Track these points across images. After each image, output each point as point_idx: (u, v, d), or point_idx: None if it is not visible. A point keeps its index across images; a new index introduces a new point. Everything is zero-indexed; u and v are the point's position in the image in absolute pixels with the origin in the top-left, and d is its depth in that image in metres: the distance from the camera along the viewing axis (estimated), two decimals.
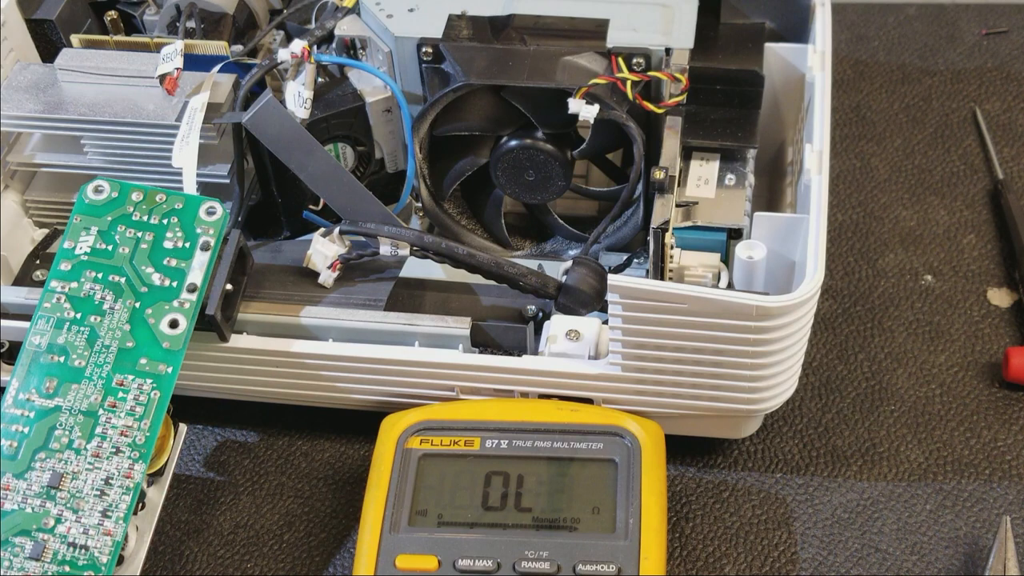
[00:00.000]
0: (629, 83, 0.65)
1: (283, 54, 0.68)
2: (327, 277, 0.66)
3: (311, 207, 0.69)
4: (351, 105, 0.70)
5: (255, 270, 0.67)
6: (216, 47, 0.71)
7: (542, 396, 0.64)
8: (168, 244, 0.62)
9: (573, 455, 0.61)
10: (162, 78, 0.68)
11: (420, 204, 0.73)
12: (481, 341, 0.65)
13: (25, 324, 0.61)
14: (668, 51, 0.67)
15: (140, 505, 0.60)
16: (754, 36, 0.71)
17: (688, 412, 0.63)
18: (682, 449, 0.67)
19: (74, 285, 0.60)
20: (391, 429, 0.63)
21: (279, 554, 0.65)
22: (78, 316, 0.60)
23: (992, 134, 0.84)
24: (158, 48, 0.71)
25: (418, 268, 0.68)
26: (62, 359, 0.59)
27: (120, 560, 0.58)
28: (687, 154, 0.67)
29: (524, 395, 0.64)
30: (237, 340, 0.64)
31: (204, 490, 0.68)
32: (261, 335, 0.65)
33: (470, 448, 0.62)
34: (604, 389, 0.63)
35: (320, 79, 0.71)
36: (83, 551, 0.56)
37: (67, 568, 0.56)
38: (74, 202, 0.63)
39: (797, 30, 0.74)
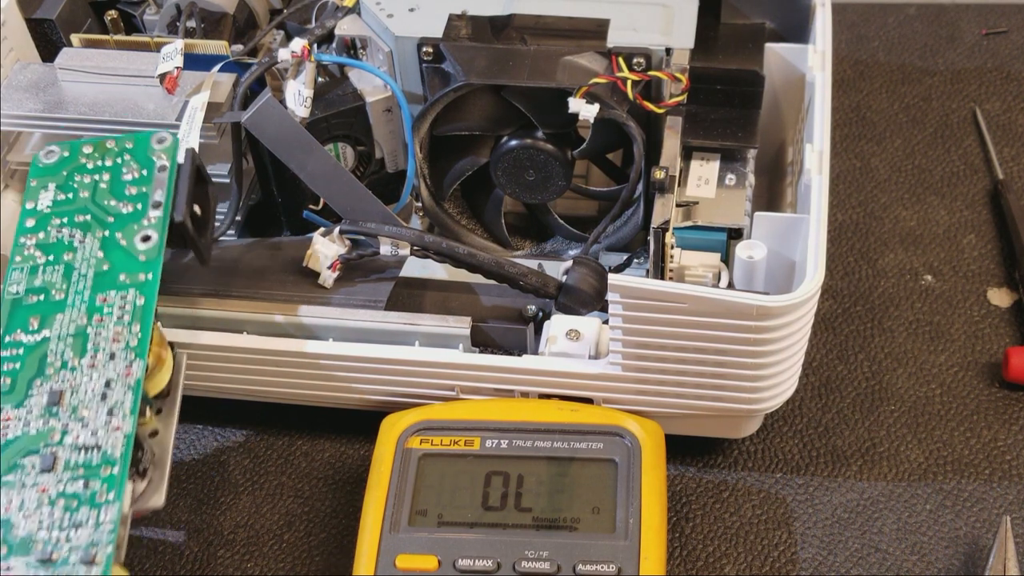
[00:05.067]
0: (629, 83, 0.65)
1: (283, 53, 0.68)
2: (327, 277, 0.66)
3: (311, 207, 0.69)
4: (351, 105, 0.70)
5: (255, 270, 0.67)
6: (216, 47, 0.71)
7: (542, 396, 0.64)
8: (126, 176, 0.62)
9: (573, 455, 0.61)
10: (162, 77, 0.68)
11: (420, 204, 0.73)
12: (481, 342, 0.65)
13: None
14: (668, 51, 0.67)
15: (153, 433, 0.59)
16: (754, 36, 0.71)
17: (688, 412, 0.63)
18: (682, 449, 0.67)
19: (41, 235, 0.61)
20: (391, 429, 0.63)
21: (279, 554, 0.65)
22: (51, 258, 0.60)
23: (992, 134, 0.84)
24: (158, 47, 0.71)
25: (418, 268, 0.68)
26: (42, 297, 0.59)
27: (146, 478, 0.58)
28: (687, 154, 0.67)
29: (524, 395, 0.64)
30: (237, 340, 0.64)
31: (204, 490, 0.68)
32: (261, 335, 0.65)
33: (470, 448, 0.62)
34: (604, 389, 0.63)
35: (320, 79, 0.71)
36: (96, 451, 0.55)
37: (82, 471, 0.55)
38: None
39: (797, 30, 0.74)
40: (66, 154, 0.63)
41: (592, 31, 0.68)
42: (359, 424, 0.68)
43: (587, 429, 0.62)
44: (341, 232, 0.66)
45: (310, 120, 0.68)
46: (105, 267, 0.59)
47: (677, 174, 0.64)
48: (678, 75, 0.66)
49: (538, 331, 0.66)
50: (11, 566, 0.52)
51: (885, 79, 0.89)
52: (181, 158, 0.62)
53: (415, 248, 0.65)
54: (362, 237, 0.66)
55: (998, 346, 0.72)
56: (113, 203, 0.61)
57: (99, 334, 0.58)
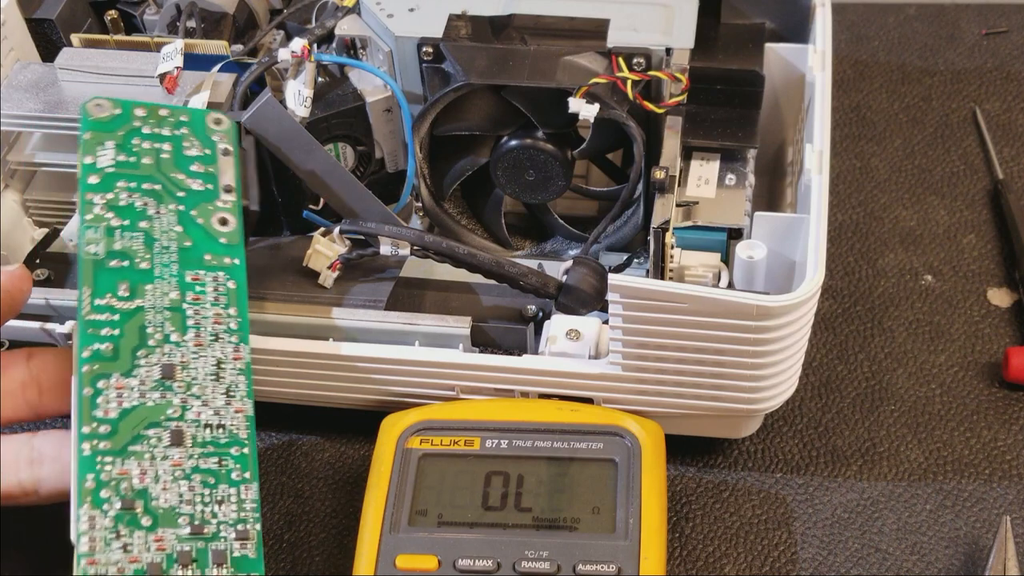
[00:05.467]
0: (629, 83, 0.65)
1: (283, 53, 0.68)
2: (327, 277, 0.66)
3: (311, 207, 0.69)
4: (351, 105, 0.70)
5: (255, 270, 0.67)
6: (216, 47, 0.71)
7: (542, 396, 0.64)
8: (190, 152, 0.61)
9: (573, 455, 0.61)
10: (162, 77, 0.68)
11: (420, 204, 0.73)
12: (481, 342, 0.65)
13: (25, 323, 0.61)
14: (668, 51, 0.67)
15: None
16: (754, 36, 0.71)
17: (688, 412, 0.63)
18: (682, 449, 0.67)
19: (110, 196, 0.59)
20: (391, 429, 0.63)
21: (279, 554, 0.65)
22: (126, 223, 0.59)
23: (992, 134, 0.84)
24: (158, 47, 0.71)
25: (418, 268, 0.68)
26: (126, 263, 0.58)
27: None
28: (687, 154, 0.67)
29: (524, 395, 0.64)
30: None
31: None
32: (261, 335, 0.65)
33: (470, 448, 0.62)
34: (604, 389, 0.63)
35: (320, 79, 0.71)
36: (221, 430, 0.55)
37: (212, 448, 0.55)
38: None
39: (797, 30, 0.74)
40: (117, 111, 0.61)
41: (592, 31, 0.68)
42: (359, 424, 0.68)
43: (587, 429, 0.62)
44: (341, 232, 0.66)
45: (310, 120, 0.68)
46: (187, 243, 0.59)
47: (677, 174, 0.64)
48: (678, 75, 0.66)
49: (538, 331, 0.66)
50: (162, 536, 0.52)
51: (885, 79, 0.89)
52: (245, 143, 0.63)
53: (415, 248, 0.65)
54: (362, 237, 0.66)
55: (998, 346, 0.72)
56: (181, 177, 0.60)
57: (198, 312, 0.58)
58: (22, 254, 0.72)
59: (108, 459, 0.53)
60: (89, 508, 0.52)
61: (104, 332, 0.56)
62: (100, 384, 0.54)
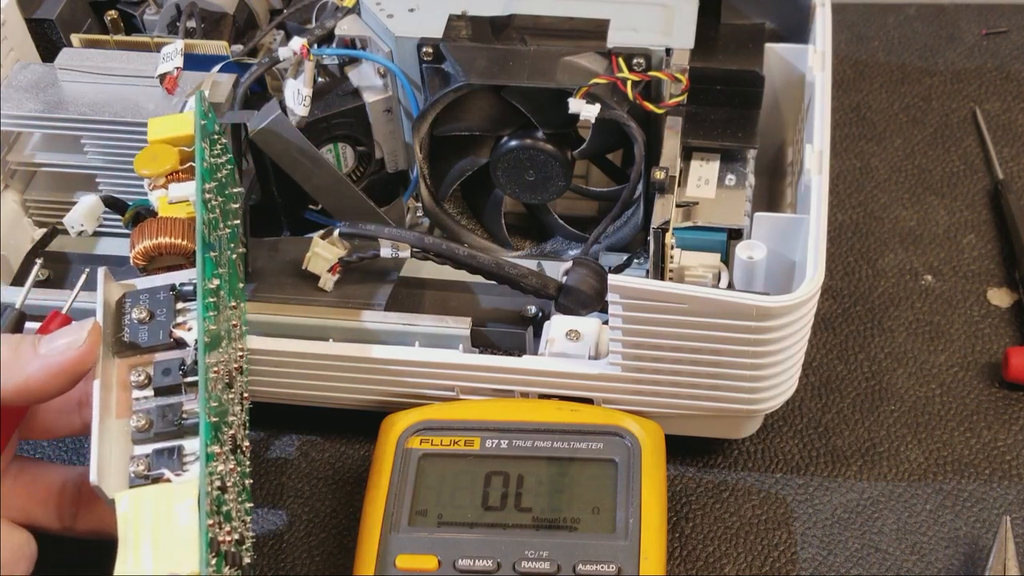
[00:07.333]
0: (629, 83, 0.65)
1: (284, 52, 0.68)
2: (327, 280, 0.66)
3: (311, 207, 0.69)
4: (351, 105, 0.70)
5: (255, 270, 0.67)
6: (216, 47, 0.71)
7: (542, 396, 0.64)
8: (230, 189, 0.63)
9: (573, 455, 0.61)
10: (162, 77, 0.68)
11: (420, 204, 0.73)
12: (481, 343, 0.65)
13: (27, 324, 0.61)
14: (668, 51, 0.67)
15: None
16: (754, 36, 0.71)
17: (688, 412, 0.63)
18: (682, 449, 0.67)
19: (210, 190, 0.59)
20: (391, 429, 0.63)
21: (279, 554, 0.65)
22: (213, 219, 0.59)
23: (992, 134, 0.84)
24: (158, 48, 0.71)
25: (418, 268, 0.68)
26: (215, 255, 0.58)
27: None
28: (687, 154, 0.67)
29: (524, 395, 0.64)
30: None
31: None
32: (261, 335, 0.65)
33: (470, 448, 0.62)
34: (604, 389, 0.63)
35: (320, 79, 0.71)
36: (241, 459, 0.58)
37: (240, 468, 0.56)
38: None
39: (797, 30, 0.74)
40: (204, 110, 0.61)
41: (592, 31, 0.68)
42: (359, 424, 0.68)
43: (587, 429, 0.62)
44: (341, 234, 0.66)
45: (309, 120, 0.68)
46: (230, 273, 0.60)
47: (677, 174, 0.64)
48: (678, 75, 0.66)
49: (538, 331, 0.66)
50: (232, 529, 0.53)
51: (885, 79, 0.89)
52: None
53: (415, 250, 0.65)
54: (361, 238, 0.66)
55: (998, 346, 0.72)
56: (231, 206, 0.62)
57: (233, 329, 0.59)
58: (22, 254, 0.72)
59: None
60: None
61: (209, 314, 0.55)
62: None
